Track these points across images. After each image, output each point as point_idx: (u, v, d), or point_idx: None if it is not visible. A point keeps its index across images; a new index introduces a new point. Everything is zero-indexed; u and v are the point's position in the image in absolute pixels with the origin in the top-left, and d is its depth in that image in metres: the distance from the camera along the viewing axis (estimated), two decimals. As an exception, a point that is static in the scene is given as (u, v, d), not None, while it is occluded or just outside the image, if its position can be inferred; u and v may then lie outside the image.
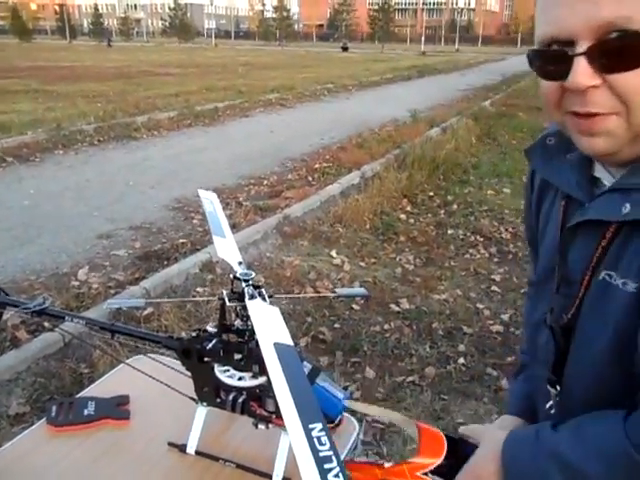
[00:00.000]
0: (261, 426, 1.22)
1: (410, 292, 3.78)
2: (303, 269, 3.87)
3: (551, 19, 0.67)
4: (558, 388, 0.90)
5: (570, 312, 0.84)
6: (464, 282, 4.03)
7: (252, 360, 1.18)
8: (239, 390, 1.21)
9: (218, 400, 1.25)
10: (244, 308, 1.20)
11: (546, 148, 0.89)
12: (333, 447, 0.75)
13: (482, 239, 4.85)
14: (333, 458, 0.74)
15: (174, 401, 1.35)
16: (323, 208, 4.98)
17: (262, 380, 1.19)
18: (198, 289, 3.36)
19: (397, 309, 3.53)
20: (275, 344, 0.94)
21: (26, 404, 2.33)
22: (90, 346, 2.60)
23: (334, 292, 1.27)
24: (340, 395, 1.20)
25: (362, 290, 1.30)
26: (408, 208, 5.44)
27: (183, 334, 1.30)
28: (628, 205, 0.71)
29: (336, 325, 3.31)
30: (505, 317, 3.52)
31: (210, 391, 1.25)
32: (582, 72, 0.64)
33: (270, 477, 1.19)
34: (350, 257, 4.18)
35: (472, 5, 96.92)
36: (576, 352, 0.85)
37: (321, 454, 0.74)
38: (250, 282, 1.17)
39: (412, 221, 5.14)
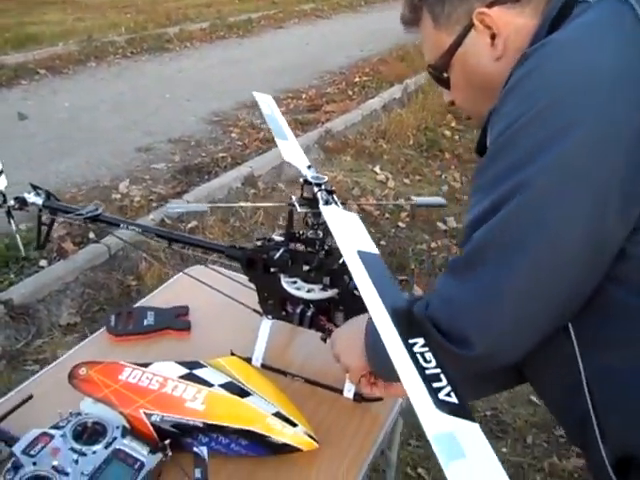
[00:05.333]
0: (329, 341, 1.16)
1: (457, 210, 3.65)
2: (347, 185, 3.75)
3: None
4: None
5: None
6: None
7: (323, 271, 1.10)
8: (307, 303, 1.13)
9: (284, 313, 1.18)
10: (315, 215, 1.11)
11: None
12: (440, 364, 0.66)
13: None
14: (442, 376, 0.65)
15: (235, 313, 1.29)
16: (365, 123, 4.78)
17: (332, 293, 1.11)
18: (241, 204, 3.28)
19: (444, 227, 3.42)
20: (359, 252, 0.84)
21: (76, 314, 2.33)
22: (138, 257, 2.58)
23: (410, 200, 1.16)
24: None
25: (440, 199, 1.19)
26: (453, 124, 5.18)
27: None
28: None
29: (382, 242, 3.23)
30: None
31: (275, 303, 1.18)
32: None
33: (340, 391, 1.13)
34: (394, 174, 4.03)
35: None
36: None
37: (427, 372, 0.65)
38: (323, 187, 1.07)
39: (457, 138, 4.91)
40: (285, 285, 1.13)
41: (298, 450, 0.96)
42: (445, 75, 0.88)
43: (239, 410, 0.96)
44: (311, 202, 1.09)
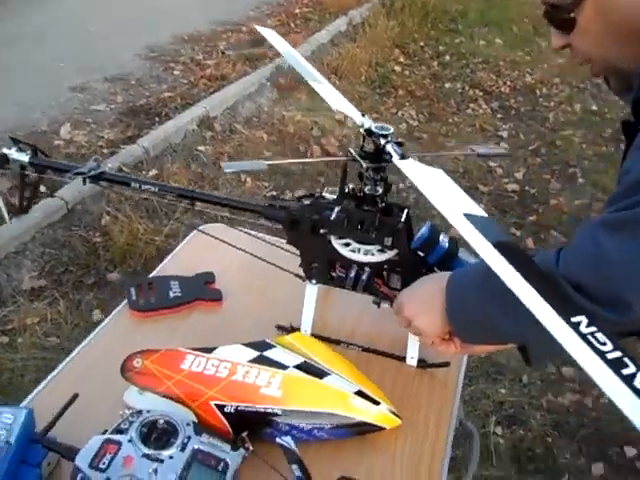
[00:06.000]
0: (384, 304, 1.07)
1: (418, 149, 3.59)
2: (306, 125, 3.59)
3: None
4: None
5: None
6: (471, 139, 3.85)
7: (385, 231, 1.00)
8: (362, 266, 1.03)
9: (332, 276, 1.08)
10: (375, 170, 0.99)
11: None
12: (616, 344, 0.59)
13: (482, 93, 4.61)
14: (626, 360, 0.58)
15: (268, 277, 1.17)
16: (315, 58, 4.56)
17: (391, 254, 1.01)
18: (200, 147, 3.07)
19: (409, 168, 3.35)
20: (467, 216, 0.74)
21: (40, 277, 2.11)
22: (99, 210, 2.36)
23: (473, 150, 1.06)
24: (483, 268, 1.05)
25: (502, 149, 1.11)
26: (401, 59, 5.06)
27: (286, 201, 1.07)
28: None
29: (351, 185, 3.13)
30: (518, 175, 3.41)
31: (322, 267, 1.07)
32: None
33: (402, 358, 1.06)
34: (351, 112, 3.89)
35: None
36: None
37: (609, 356, 0.58)
38: (391, 138, 0.95)
39: (407, 73, 4.81)
40: (338, 248, 1.01)
41: (382, 429, 0.88)
42: (571, 15, 0.77)
43: (320, 392, 0.86)
44: (372, 155, 0.97)
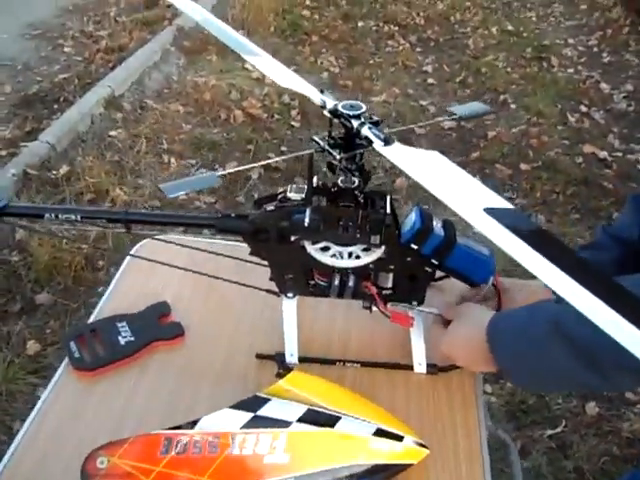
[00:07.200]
0: (376, 308, 0.91)
1: (346, 97, 3.39)
2: (222, 89, 3.31)
3: None
4: None
5: None
6: (397, 78, 3.69)
7: (369, 229, 0.83)
8: (345, 271, 0.86)
9: (311, 287, 0.91)
10: (350, 159, 0.81)
11: None
12: None
13: (397, 28, 4.43)
14: None
15: (234, 295, 0.99)
16: (217, 12, 4.22)
17: (380, 252, 0.85)
18: (111, 132, 2.76)
19: (340, 119, 3.17)
20: (489, 211, 0.59)
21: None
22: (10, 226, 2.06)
23: (453, 114, 0.90)
24: (486, 251, 0.90)
25: (484, 106, 0.93)
26: (307, 2, 4.78)
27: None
28: None
29: (283, 148, 2.93)
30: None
31: (298, 277, 0.89)
32: None
33: (409, 367, 0.91)
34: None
35: None
36: None
37: None
38: (364, 119, 0.76)
39: (317, 17, 4.55)
40: (316, 255, 0.84)
41: (411, 465, 0.75)
42: None
43: (334, 444, 0.71)
44: (343, 142, 0.79)
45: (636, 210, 0.96)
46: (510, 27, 4.45)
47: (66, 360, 0.90)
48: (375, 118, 0.77)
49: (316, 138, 0.80)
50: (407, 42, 4.21)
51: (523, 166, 2.78)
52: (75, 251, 2.03)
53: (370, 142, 0.74)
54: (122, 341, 0.92)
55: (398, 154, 0.70)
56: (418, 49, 4.12)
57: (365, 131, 0.74)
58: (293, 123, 3.14)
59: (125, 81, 3.13)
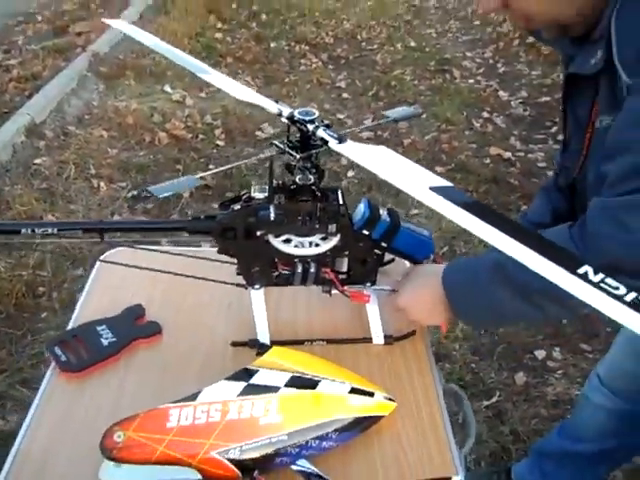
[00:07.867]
0: (335, 291, 1.03)
1: (268, 117, 3.53)
2: (144, 112, 3.35)
3: None
4: None
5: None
6: (314, 95, 3.86)
7: (327, 220, 0.95)
8: (306, 259, 0.98)
9: (275, 277, 1.01)
10: (306, 159, 0.93)
11: None
12: (628, 285, 0.61)
13: (308, 47, 4.62)
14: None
15: (202, 292, 1.08)
16: (131, 38, 4.24)
17: (336, 240, 0.97)
18: (36, 160, 2.74)
19: (264, 135, 3.29)
20: (433, 189, 0.72)
21: None
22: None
23: (387, 117, 1.03)
24: (426, 232, 1.04)
25: (414, 109, 1.08)
26: (219, 25, 4.90)
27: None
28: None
29: (211, 166, 3.00)
30: (368, 122, 3.49)
31: (264, 269, 1.00)
32: None
33: (368, 340, 1.03)
34: (187, 89, 3.71)
35: None
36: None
37: (627, 299, 0.60)
38: (318, 123, 0.88)
39: (229, 39, 4.66)
40: (280, 246, 0.95)
41: (382, 417, 0.86)
42: None
43: (318, 403, 0.81)
44: (300, 144, 0.91)
45: (546, 199, 1.16)
46: (413, 43, 4.76)
47: (52, 365, 0.96)
48: (326, 122, 0.90)
49: (276, 142, 0.92)
50: (319, 60, 4.41)
51: (439, 169, 3.00)
52: (14, 278, 2.01)
53: (325, 142, 0.86)
54: (105, 342, 0.98)
55: (351, 150, 0.83)
56: (330, 66, 4.32)
57: (320, 133, 0.86)
58: (218, 142, 3.23)
59: (44, 109, 3.10)
